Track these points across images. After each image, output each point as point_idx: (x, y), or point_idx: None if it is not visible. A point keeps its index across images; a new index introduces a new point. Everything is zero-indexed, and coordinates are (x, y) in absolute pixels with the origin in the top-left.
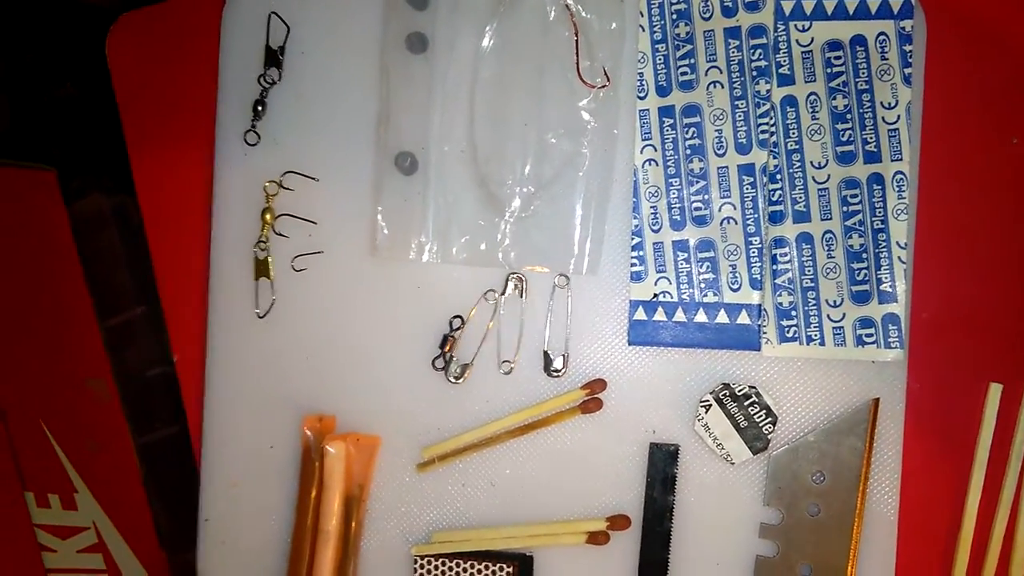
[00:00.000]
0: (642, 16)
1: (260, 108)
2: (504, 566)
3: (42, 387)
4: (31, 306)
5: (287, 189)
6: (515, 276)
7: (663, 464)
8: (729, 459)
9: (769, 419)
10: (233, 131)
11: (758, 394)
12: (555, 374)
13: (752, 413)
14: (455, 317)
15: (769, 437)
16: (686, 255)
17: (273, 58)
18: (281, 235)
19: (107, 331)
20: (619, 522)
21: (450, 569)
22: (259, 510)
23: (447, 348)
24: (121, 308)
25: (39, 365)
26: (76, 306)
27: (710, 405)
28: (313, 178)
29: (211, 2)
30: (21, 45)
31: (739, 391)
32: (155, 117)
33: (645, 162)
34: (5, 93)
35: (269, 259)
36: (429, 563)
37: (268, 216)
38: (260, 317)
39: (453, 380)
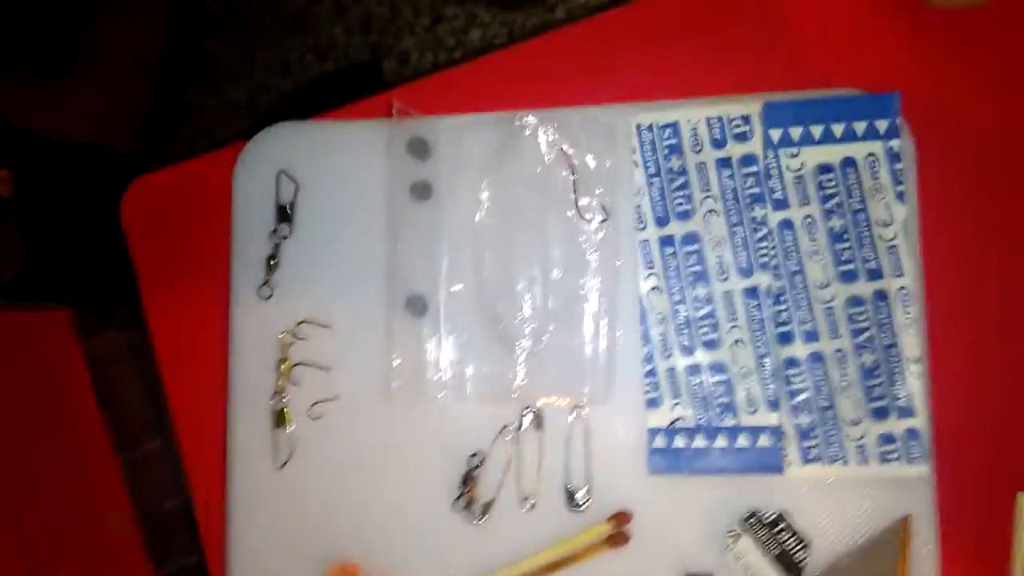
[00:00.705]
0: (635, 153)
1: (273, 262)
2: None
3: (60, 528)
4: (49, 446)
5: (301, 339)
6: (530, 410)
7: None
8: None
9: (801, 544)
10: (247, 286)
11: (786, 520)
12: (578, 508)
13: (783, 540)
14: (473, 455)
15: (802, 563)
16: (699, 380)
17: (284, 214)
18: (296, 385)
19: (125, 464)
20: None
21: None
22: None
23: (468, 488)
24: (138, 440)
25: (57, 505)
26: (92, 442)
27: (739, 535)
28: (325, 325)
29: (224, 163)
30: (38, 185)
31: (767, 518)
32: (171, 271)
33: (650, 290)
34: (22, 233)
35: (286, 410)
36: None
37: (284, 367)
38: (278, 469)
39: (476, 520)
